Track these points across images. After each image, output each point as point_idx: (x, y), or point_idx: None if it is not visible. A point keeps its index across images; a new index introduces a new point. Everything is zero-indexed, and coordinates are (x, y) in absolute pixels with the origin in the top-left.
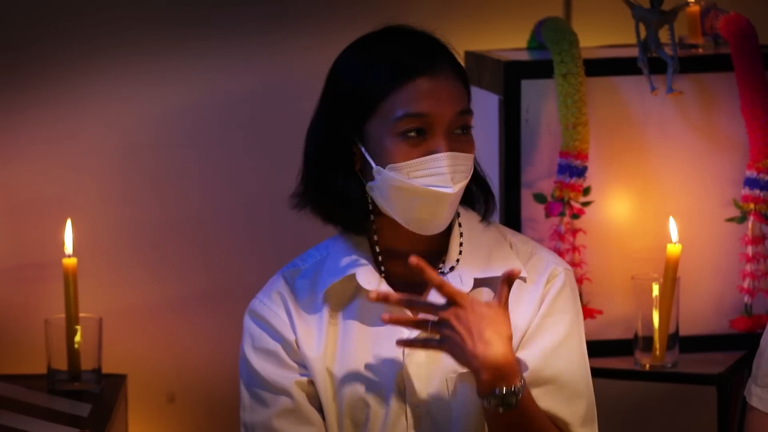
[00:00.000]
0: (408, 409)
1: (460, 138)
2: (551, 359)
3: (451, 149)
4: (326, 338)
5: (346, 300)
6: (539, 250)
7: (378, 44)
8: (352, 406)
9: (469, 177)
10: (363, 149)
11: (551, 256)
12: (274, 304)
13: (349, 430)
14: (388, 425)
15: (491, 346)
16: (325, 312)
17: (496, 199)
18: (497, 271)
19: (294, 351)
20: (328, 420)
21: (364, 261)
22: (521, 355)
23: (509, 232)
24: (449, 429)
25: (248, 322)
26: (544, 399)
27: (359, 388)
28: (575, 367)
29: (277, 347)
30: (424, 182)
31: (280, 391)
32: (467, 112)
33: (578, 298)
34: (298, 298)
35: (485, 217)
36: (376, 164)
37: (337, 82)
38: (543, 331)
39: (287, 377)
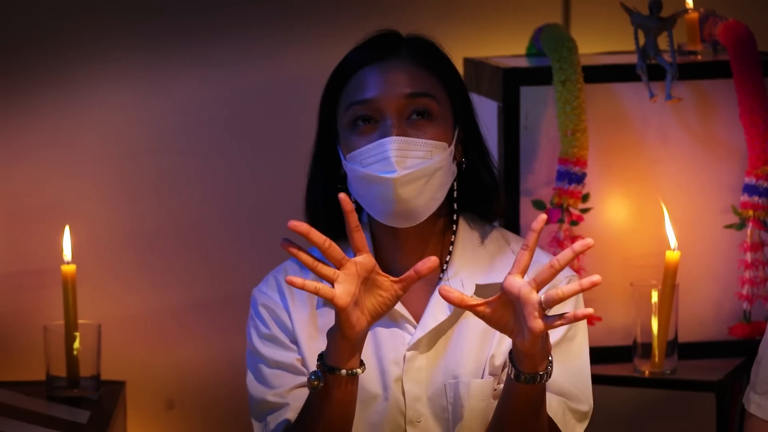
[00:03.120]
0: (406, 413)
1: (416, 123)
2: None
3: (401, 134)
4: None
5: None
6: (541, 258)
7: (347, 54)
8: None
9: (432, 163)
10: (339, 149)
11: None
12: (273, 292)
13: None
14: (387, 427)
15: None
16: (327, 309)
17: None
18: (499, 277)
19: (293, 338)
20: None
21: None
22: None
23: (513, 239)
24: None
25: (252, 311)
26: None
27: (359, 389)
28: (566, 372)
29: (279, 332)
30: (372, 169)
31: (287, 367)
32: (422, 95)
33: (581, 306)
34: (297, 291)
35: (486, 219)
36: (345, 156)
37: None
38: None
39: (291, 356)
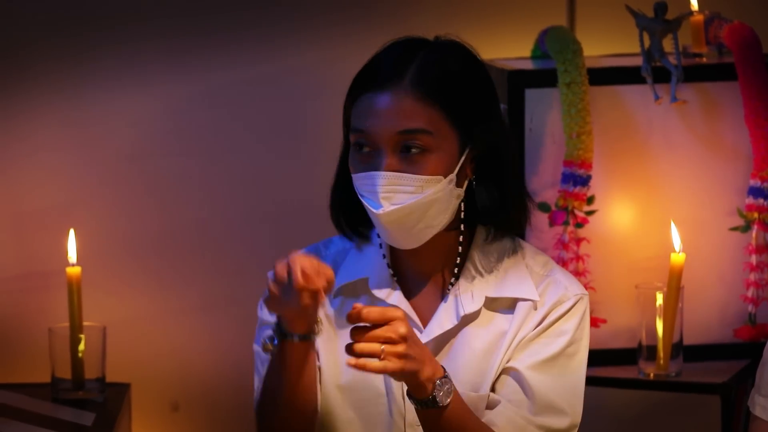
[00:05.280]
0: (406, 416)
1: (410, 157)
2: (530, 373)
3: (390, 168)
4: (335, 331)
5: (357, 297)
6: (555, 274)
7: (366, 61)
8: (352, 406)
9: (422, 197)
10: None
11: (567, 280)
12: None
13: (354, 426)
14: (384, 430)
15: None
16: (336, 304)
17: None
18: (509, 291)
19: None
20: (334, 409)
21: (379, 264)
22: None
23: (529, 254)
24: None
25: (264, 292)
26: (508, 407)
27: (360, 391)
28: (558, 387)
29: None
30: (364, 198)
31: None
32: (415, 131)
33: (586, 327)
34: None
35: (500, 234)
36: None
37: None
38: (532, 346)
39: None
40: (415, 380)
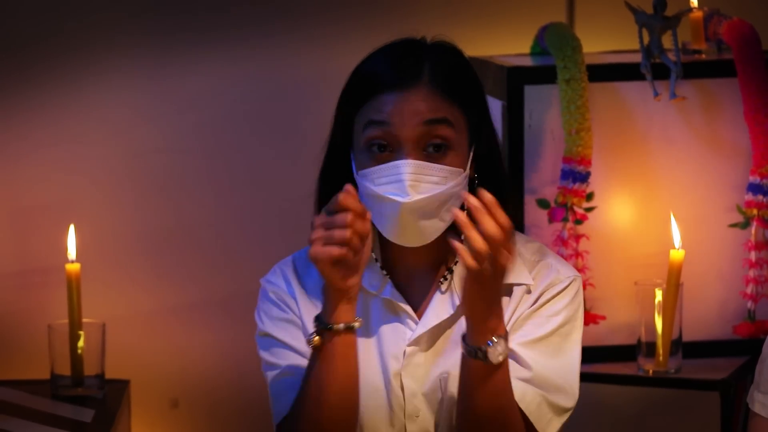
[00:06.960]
0: (405, 408)
1: (431, 155)
2: (523, 350)
3: (416, 158)
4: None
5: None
6: (547, 258)
7: (367, 60)
8: None
9: (446, 189)
10: (352, 157)
11: (559, 263)
12: (280, 281)
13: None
14: (384, 422)
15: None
16: None
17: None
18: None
19: (302, 322)
20: None
21: (372, 261)
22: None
23: (521, 242)
24: (439, 426)
25: (262, 298)
26: (524, 384)
27: (362, 381)
28: (554, 365)
29: (289, 315)
30: (383, 189)
31: (294, 350)
32: (440, 120)
33: (579, 308)
34: (304, 281)
35: None
36: (357, 171)
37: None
38: (525, 327)
39: (300, 339)
40: (486, 312)
